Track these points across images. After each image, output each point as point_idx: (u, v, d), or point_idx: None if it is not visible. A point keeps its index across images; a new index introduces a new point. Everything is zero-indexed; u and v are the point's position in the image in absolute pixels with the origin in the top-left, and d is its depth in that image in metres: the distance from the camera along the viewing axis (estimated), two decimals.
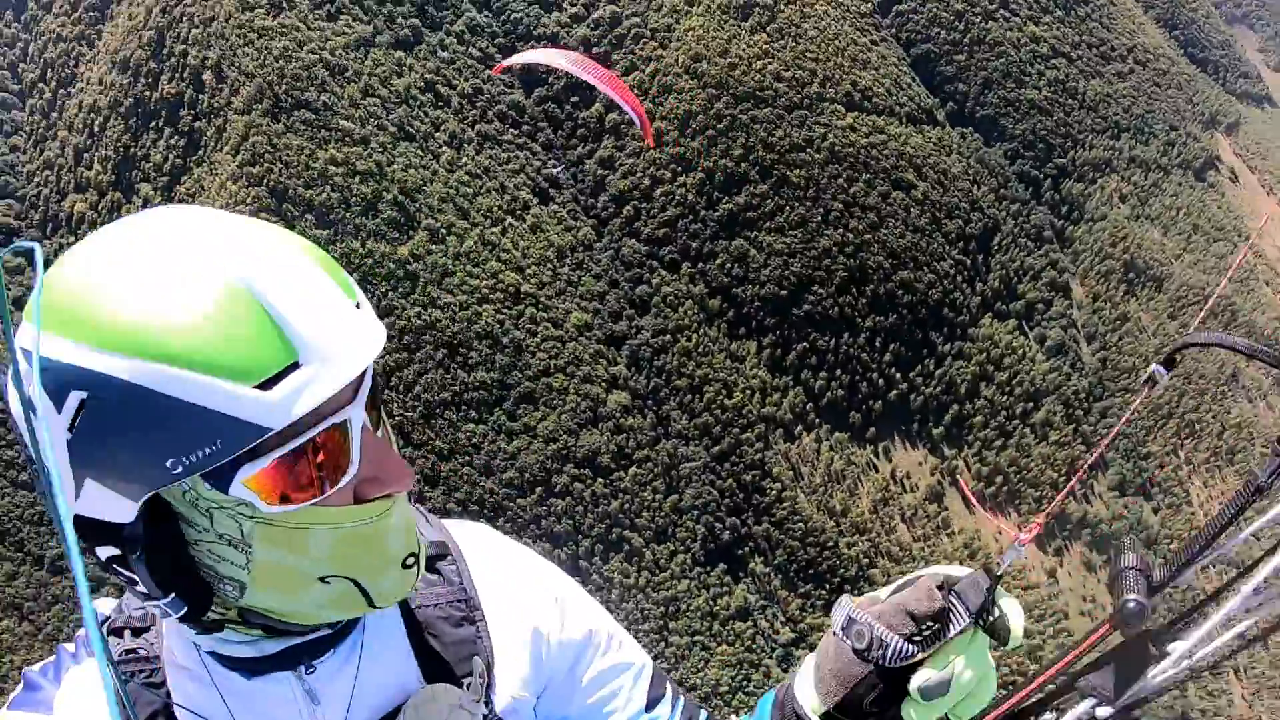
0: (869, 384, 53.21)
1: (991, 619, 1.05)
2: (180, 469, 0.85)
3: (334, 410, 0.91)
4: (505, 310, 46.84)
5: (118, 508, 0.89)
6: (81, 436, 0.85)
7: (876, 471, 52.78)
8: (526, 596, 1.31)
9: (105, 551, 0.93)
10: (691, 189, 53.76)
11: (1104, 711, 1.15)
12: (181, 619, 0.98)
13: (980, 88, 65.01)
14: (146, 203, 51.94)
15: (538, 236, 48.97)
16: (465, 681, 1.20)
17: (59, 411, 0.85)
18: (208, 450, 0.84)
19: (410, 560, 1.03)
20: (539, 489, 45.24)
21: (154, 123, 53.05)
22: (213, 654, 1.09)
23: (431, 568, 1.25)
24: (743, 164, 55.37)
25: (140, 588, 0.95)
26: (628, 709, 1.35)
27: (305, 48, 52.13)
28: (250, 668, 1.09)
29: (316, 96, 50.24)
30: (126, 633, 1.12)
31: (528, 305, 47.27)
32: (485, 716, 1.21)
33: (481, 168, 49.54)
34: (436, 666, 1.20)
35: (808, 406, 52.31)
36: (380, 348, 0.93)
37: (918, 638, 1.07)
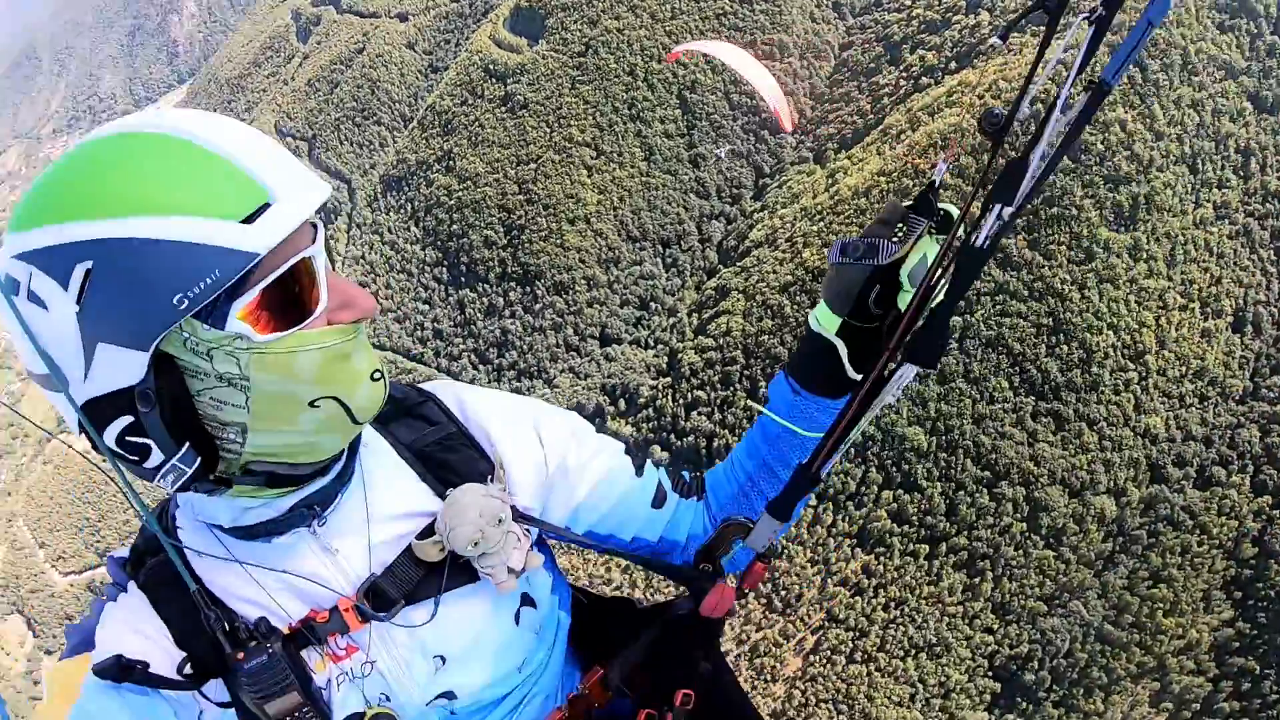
0: None
1: (940, 217, 1.32)
2: (185, 303, 0.96)
3: (299, 249, 1.06)
4: (1124, 340, 47.83)
5: (129, 367, 0.99)
6: (92, 302, 0.95)
7: None
8: (509, 415, 1.47)
9: (118, 426, 1.04)
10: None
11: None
12: (194, 477, 1.09)
13: None
14: None
15: (1201, 343, 48.72)
16: (487, 479, 1.36)
17: (65, 289, 0.95)
18: (208, 280, 0.96)
19: (377, 374, 1.16)
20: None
21: None
22: (233, 530, 1.22)
23: (414, 414, 1.43)
24: None
25: (152, 458, 1.07)
26: (621, 479, 1.54)
27: None
28: (269, 530, 1.22)
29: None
30: (147, 558, 1.27)
31: (1148, 356, 47.81)
32: (513, 508, 1.34)
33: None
34: (451, 482, 1.33)
35: None
36: (329, 194, 1.09)
37: (895, 239, 1.31)
